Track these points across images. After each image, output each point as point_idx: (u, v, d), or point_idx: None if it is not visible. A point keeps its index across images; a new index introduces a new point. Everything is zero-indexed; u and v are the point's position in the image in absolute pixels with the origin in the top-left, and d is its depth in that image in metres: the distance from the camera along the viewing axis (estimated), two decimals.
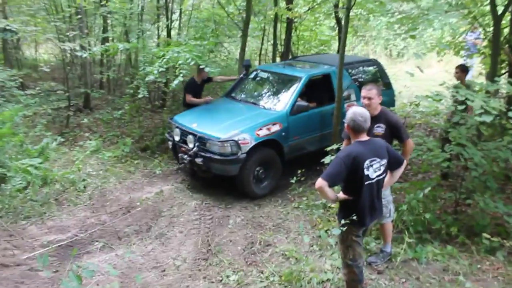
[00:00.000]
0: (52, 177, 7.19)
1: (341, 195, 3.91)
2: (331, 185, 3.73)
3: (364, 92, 4.70)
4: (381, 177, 3.88)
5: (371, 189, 3.84)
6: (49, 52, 15.50)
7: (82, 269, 3.95)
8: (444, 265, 4.86)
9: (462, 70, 7.32)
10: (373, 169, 3.77)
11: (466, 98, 5.49)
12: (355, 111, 3.82)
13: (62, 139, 8.90)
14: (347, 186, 3.87)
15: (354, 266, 3.99)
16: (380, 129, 4.67)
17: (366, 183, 3.77)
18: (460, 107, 5.50)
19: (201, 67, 8.10)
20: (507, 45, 7.93)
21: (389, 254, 4.95)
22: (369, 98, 4.65)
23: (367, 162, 3.73)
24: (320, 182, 3.66)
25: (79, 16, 10.65)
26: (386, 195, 4.72)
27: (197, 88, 8.78)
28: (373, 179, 3.80)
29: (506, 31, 7.99)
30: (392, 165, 4.01)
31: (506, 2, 7.20)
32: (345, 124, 3.91)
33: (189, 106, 8.56)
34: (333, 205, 6.11)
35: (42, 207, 6.45)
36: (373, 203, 3.92)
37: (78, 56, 10.19)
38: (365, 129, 3.81)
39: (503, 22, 7.54)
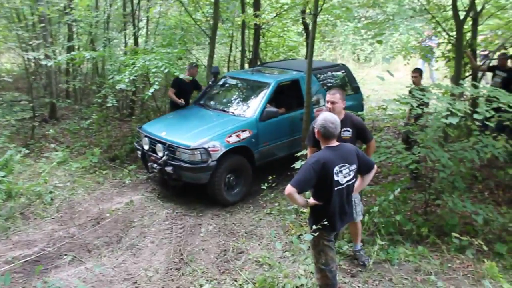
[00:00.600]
0: (17, 190, 6.98)
1: (311, 200, 3.91)
2: (300, 192, 3.73)
3: (328, 97, 4.75)
4: (351, 182, 3.89)
5: (341, 194, 3.85)
6: (11, 62, 15.10)
7: (47, 286, 3.82)
8: (416, 265, 4.92)
9: (420, 74, 7.55)
10: (343, 174, 3.79)
11: (412, 106, 5.61)
12: (326, 118, 3.82)
13: (27, 151, 8.66)
14: (317, 192, 3.87)
15: (327, 271, 3.99)
16: (347, 132, 4.75)
17: (336, 188, 3.78)
18: (415, 111, 5.64)
19: (193, 64, 8.28)
20: (469, 49, 8.16)
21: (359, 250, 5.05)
22: (333, 103, 4.70)
23: (336, 168, 3.74)
24: (289, 188, 3.66)
25: (43, 25, 10.43)
26: (355, 196, 4.71)
27: (183, 86, 8.68)
28: (342, 184, 3.81)
29: (469, 35, 8.23)
30: (363, 169, 4.04)
31: (467, 8, 7.41)
32: (315, 130, 3.89)
33: (175, 106, 8.51)
34: (305, 210, 6.12)
35: (6, 222, 6.25)
36: (343, 208, 3.93)
37: (43, 65, 9.96)
38: (336, 135, 3.82)
39: (466, 26, 7.75)
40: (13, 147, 8.37)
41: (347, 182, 3.84)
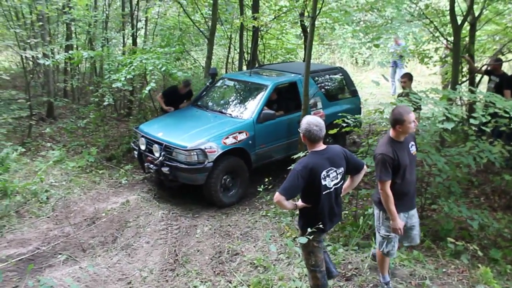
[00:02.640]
0: (13, 189, 6.95)
1: (300, 203, 3.93)
2: (288, 198, 3.72)
3: (412, 115, 4.17)
4: (339, 185, 3.90)
5: (330, 197, 3.87)
6: (9, 60, 15.09)
7: (40, 285, 3.80)
8: (411, 269, 4.91)
9: (409, 78, 7.58)
10: (330, 178, 3.79)
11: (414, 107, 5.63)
12: (310, 121, 3.77)
13: (23, 149, 8.64)
14: (305, 196, 3.88)
15: (317, 271, 4.02)
16: (414, 147, 4.38)
17: (324, 192, 3.79)
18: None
19: (187, 82, 8.42)
20: (467, 54, 8.18)
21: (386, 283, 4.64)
22: (414, 121, 4.21)
23: (323, 173, 3.74)
24: (277, 196, 3.67)
25: (41, 23, 10.40)
26: (416, 220, 4.51)
27: (175, 97, 8.76)
28: (330, 188, 3.82)
29: (467, 40, 8.25)
30: (351, 170, 4.05)
31: (465, 13, 7.43)
32: (301, 134, 3.87)
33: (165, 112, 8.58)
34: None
35: (1, 220, 6.22)
36: (332, 210, 3.94)
37: (41, 64, 9.95)
38: (321, 138, 3.78)
39: (463, 31, 7.78)
40: (10, 145, 8.35)
41: (334, 185, 3.84)
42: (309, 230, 3.84)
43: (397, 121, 4.10)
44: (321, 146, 3.83)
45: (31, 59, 10.65)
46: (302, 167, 3.71)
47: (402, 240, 4.54)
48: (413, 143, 4.36)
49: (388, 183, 4.10)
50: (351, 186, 4.21)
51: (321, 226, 3.83)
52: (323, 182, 3.75)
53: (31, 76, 11.67)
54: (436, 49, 9.86)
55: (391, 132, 4.21)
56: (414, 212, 4.45)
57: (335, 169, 3.81)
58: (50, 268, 5.28)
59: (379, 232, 4.43)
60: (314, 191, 3.77)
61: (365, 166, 4.12)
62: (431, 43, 9.89)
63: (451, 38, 7.59)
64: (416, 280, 4.73)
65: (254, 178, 7.26)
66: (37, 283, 4.43)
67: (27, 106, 10.21)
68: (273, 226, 6.16)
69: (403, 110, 4.14)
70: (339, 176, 3.86)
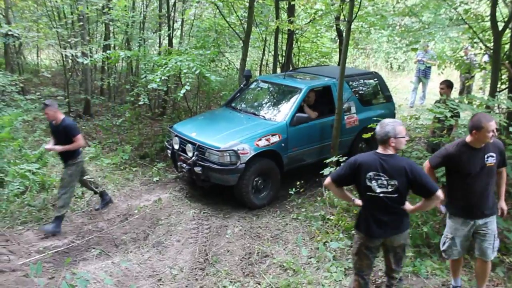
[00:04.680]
0: (50, 183, 7.17)
1: (357, 200, 4.00)
2: (337, 184, 3.95)
3: (493, 124, 4.02)
4: (390, 195, 3.76)
5: (375, 202, 3.82)
6: (50, 58, 15.55)
7: (76, 277, 3.91)
8: (443, 280, 4.83)
9: (448, 85, 7.36)
10: (377, 184, 3.74)
11: (445, 116, 5.53)
12: (382, 122, 3.87)
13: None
14: (357, 192, 3.97)
15: (358, 276, 4.06)
16: (492, 158, 4.16)
17: (368, 193, 3.79)
18: (448, 122, 5.57)
19: (46, 105, 6.16)
20: (507, 61, 7.96)
21: None
22: (493, 131, 4.08)
23: (370, 174, 3.73)
24: (327, 179, 3.99)
25: (81, 23, 10.70)
26: (493, 230, 4.34)
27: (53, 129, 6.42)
28: (377, 193, 3.76)
29: (506, 47, 8.02)
30: (418, 192, 3.89)
31: (506, 19, 7.24)
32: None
33: None
34: (331, 217, 6.10)
35: (39, 213, 6.43)
36: (378, 217, 3.87)
37: (80, 62, 10.22)
38: (381, 141, 3.78)
39: (504, 38, 7.57)
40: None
41: (383, 193, 3.76)
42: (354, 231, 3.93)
43: (474, 126, 4.03)
44: (386, 151, 3.79)
45: (70, 57, 10.94)
46: (353, 159, 3.87)
47: (475, 250, 4.41)
48: (493, 154, 4.14)
49: (431, 168, 4.27)
50: (418, 208, 3.97)
51: (363, 227, 3.93)
52: (368, 183, 3.75)
53: (70, 74, 12.01)
54: (476, 55, 9.64)
55: (468, 137, 4.16)
56: (483, 222, 4.25)
57: (386, 177, 3.73)
58: (84, 262, 5.42)
59: None
60: (360, 190, 3.87)
61: (438, 193, 3.75)
62: (470, 48, 9.68)
63: (491, 44, 7.41)
64: None
65: (285, 181, 7.25)
66: (73, 275, 4.56)
67: (65, 103, 10.52)
68: (304, 229, 6.14)
69: (484, 117, 4.05)
70: (390, 188, 3.74)
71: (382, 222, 3.88)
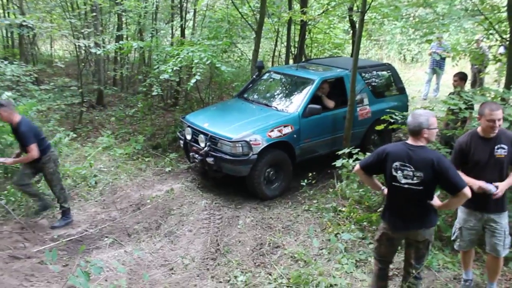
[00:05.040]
0: (64, 172, 7.25)
1: (386, 190, 3.99)
2: (365, 171, 4.00)
3: (495, 114, 3.95)
4: (414, 187, 3.68)
5: (400, 193, 3.76)
6: (64, 48, 15.67)
7: (90, 265, 3.97)
8: (454, 273, 4.81)
9: (461, 78, 7.26)
10: (403, 174, 3.69)
11: (460, 108, 5.47)
12: (413, 112, 3.84)
13: (75, 135, 8.99)
14: (385, 182, 3.97)
15: (378, 261, 4.13)
16: (502, 150, 4.07)
17: (393, 183, 3.76)
18: (462, 114, 5.52)
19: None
20: None
21: None
22: (499, 120, 4.01)
23: (396, 164, 3.70)
24: (356, 166, 4.07)
25: (94, 14, 10.75)
26: (504, 226, 4.23)
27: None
28: (402, 184, 3.70)
29: None
30: (444, 188, 3.84)
31: None
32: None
33: None
34: (343, 209, 6.10)
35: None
36: (401, 209, 3.84)
37: (92, 53, 10.27)
38: (412, 132, 3.71)
39: None
40: (62, 131, 8.69)
41: (408, 184, 3.69)
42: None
43: (478, 113, 4.08)
44: (416, 142, 3.72)
45: (83, 48, 11.01)
46: (382, 148, 3.90)
47: (486, 245, 4.34)
48: (504, 146, 4.04)
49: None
50: (446, 206, 3.89)
51: (387, 216, 3.97)
52: (393, 173, 3.73)
53: (83, 64, 12.08)
54: (490, 47, 9.51)
55: (479, 127, 4.16)
56: (493, 217, 4.18)
57: (412, 168, 3.65)
58: (97, 250, 5.49)
59: None
60: (387, 178, 3.85)
61: (465, 190, 3.58)
62: (485, 40, 9.54)
63: (507, 36, 7.30)
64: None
65: (297, 172, 7.26)
66: (87, 263, 4.61)
67: (78, 93, 10.59)
68: (315, 221, 6.14)
69: (488, 105, 4.04)
70: (416, 179, 3.65)
71: (406, 215, 3.83)
